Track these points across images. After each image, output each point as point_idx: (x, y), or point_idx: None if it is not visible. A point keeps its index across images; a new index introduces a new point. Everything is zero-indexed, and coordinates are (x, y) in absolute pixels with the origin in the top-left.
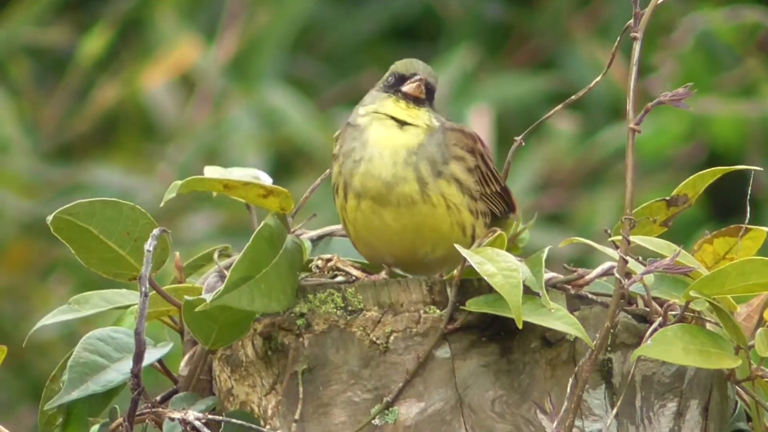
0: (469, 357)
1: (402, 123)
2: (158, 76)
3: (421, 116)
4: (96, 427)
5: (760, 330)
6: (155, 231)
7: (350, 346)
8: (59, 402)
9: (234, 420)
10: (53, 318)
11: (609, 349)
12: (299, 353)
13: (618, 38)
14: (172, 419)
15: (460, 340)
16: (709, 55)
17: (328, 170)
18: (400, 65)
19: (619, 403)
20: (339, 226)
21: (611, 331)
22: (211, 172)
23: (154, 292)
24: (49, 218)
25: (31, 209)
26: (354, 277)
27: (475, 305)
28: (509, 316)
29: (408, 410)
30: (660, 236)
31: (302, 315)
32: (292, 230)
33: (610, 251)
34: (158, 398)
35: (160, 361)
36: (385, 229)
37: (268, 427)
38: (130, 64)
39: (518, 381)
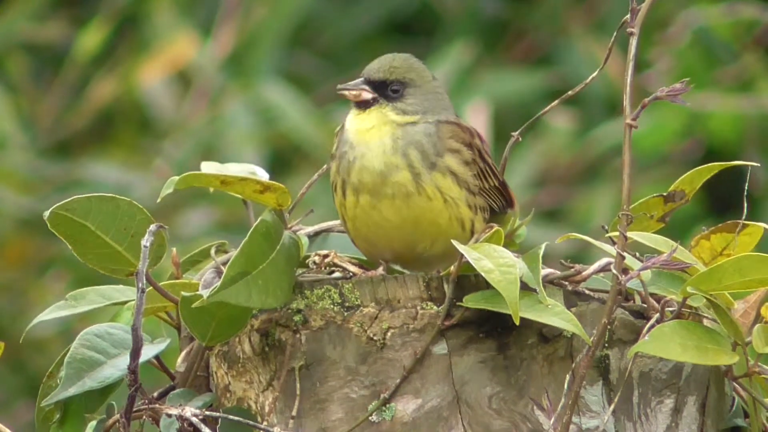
0: (466, 353)
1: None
2: (155, 71)
3: (368, 118)
4: (93, 423)
5: (757, 326)
6: (152, 227)
7: (347, 342)
8: (56, 398)
9: (231, 416)
10: (50, 314)
11: (606, 345)
12: (296, 349)
13: (615, 34)
14: (169, 415)
15: (457, 336)
16: (706, 51)
17: (325, 166)
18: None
19: (616, 399)
20: (336, 222)
21: (608, 327)
22: (208, 167)
23: (151, 288)
24: (46, 214)
25: (28, 205)
26: (351, 273)
27: (472, 301)
28: (506, 312)
29: (405, 406)
30: (657, 232)
31: (299, 311)
32: (289, 226)
33: (607, 247)
34: (155, 394)
35: (157, 357)
36: (384, 223)
37: (265, 423)
38: (127, 59)
39: (515, 377)
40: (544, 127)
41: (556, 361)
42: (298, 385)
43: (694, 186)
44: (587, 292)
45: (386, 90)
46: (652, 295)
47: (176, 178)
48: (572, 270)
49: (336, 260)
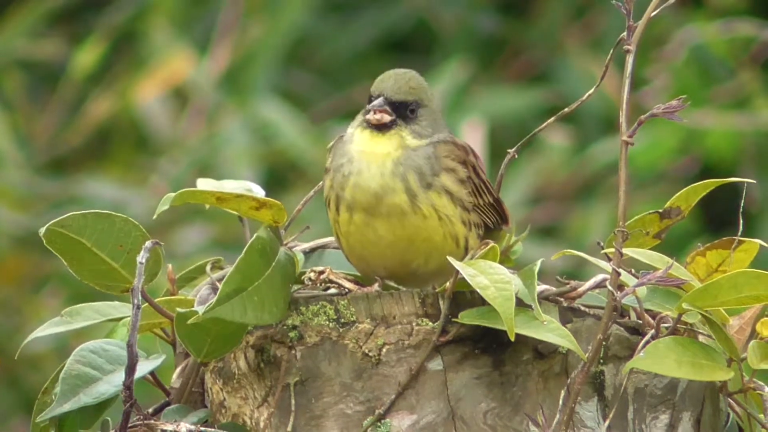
0: (461, 369)
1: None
2: (151, 89)
3: (389, 142)
4: None
5: (752, 342)
6: (148, 243)
7: (342, 359)
8: (51, 414)
9: None
10: (46, 330)
11: (601, 361)
12: (291, 365)
13: (611, 51)
14: (164, 431)
15: (453, 352)
16: (703, 68)
17: (321, 183)
18: (375, 82)
19: (611, 415)
20: (331, 239)
21: (603, 343)
22: (204, 184)
23: (147, 304)
24: (42, 230)
25: (24, 222)
26: (346, 290)
27: (467, 317)
28: (502, 329)
29: (400, 422)
30: (653, 248)
31: (294, 327)
32: (285, 242)
33: (602, 263)
34: (150, 410)
35: (152, 373)
36: (378, 241)
37: None
38: (124, 77)
39: (510, 393)
40: (541, 144)
41: (552, 377)
42: (293, 401)
43: (690, 203)
44: (582, 308)
45: (405, 111)
46: (647, 311)
47: (172, 194)
48: (568, 286)
49: (331, 276)
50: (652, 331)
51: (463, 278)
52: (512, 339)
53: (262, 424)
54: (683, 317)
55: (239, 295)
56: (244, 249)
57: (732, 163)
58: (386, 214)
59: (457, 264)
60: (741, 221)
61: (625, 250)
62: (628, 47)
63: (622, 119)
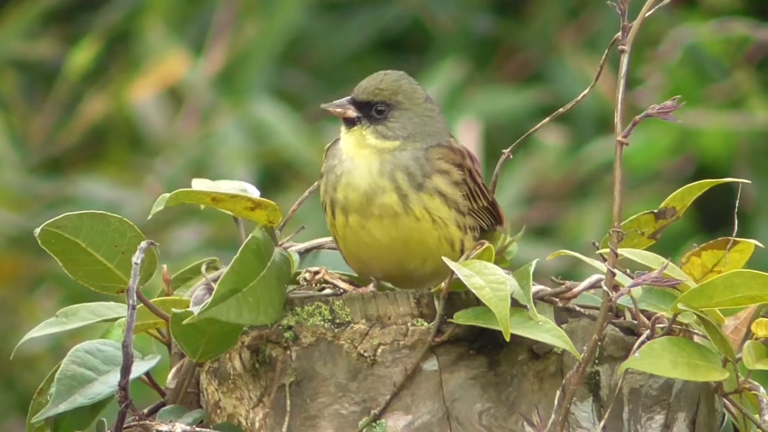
0: (456, 370)
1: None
2: (146, 89)
3: (349, 137)
4: None
5: (747, 342)
6: (143, 244)
7: (338, 359)
8: (47, 415)
9: None
10: (41, 331)
11: (596, 361)
12: (287, 366)
13: (606, 51)
14: (160, 431)
15: (448, 352)
16: (697, 68)
17: (316, 183)
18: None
19: (606, 415)
20: (327, 239)
21: (599, 343)
22: (199, 184)
23: (142, 304)
24: (37, 231)
25: (19, 222)
26: (342, 290)
27: (462, 318)
28: (497, 329)
29: (395, 423)
30: (648, 249)
31: (290, 328)
32: (280, 243)
33: (597, 264)
34: (146, 411)
35: (147, 373)
36: (374, 243)
37: None
38: (118, 77)
39: (506, 394)
40: (535, 145)
41: (547, 378)
42: (288, 402)
43: (685, 203)
44: (578, 308)
45: (370, 111)
46: (642, 311)
47: (167, 195)
48: (563, 286)
49: (327, 277)
50: (648, 331)
51: (459, 279)
52: (507, 339)
53: (257, 425)
54: (678, 318)
55: (234, 295)
56: (239, 249)
57: (726, 163)
58: (378, 216)
59: (452, 264)
60: (736, 221)
61: (620, 251)
62: (623, 47)
63: (617, 119)
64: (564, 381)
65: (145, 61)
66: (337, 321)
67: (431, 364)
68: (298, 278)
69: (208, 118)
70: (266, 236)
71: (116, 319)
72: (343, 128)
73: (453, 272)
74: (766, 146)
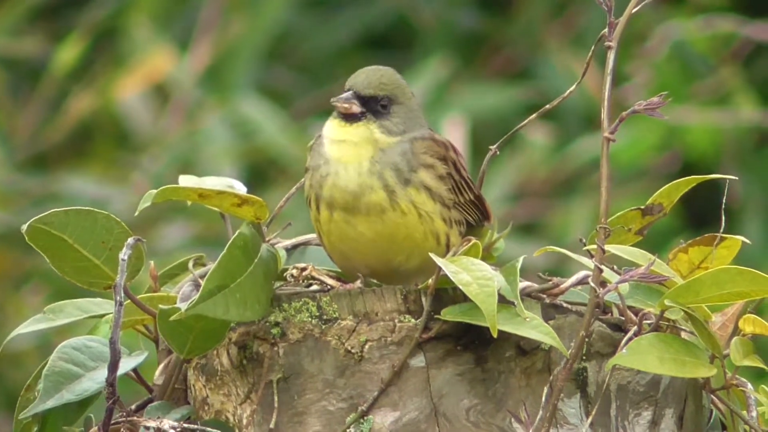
0: (444, 366)
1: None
2: (132, 86)
3: (355, 132)
4: None
5: (735, 339)
6: (130, 240)
7: (325, 355)
8: (34, 411)
9: (209, 429)
10: (28, 327)
11: (584, 358)
12: (274, 362)
13: (593, 48)
14: (147, 428)
15: (435, 349)
16: (684, 65)
17: (302, 179)
18: (350, 77)
19: (594, 412)
20: (314, 235)
21: (586, 340)
22: (186, 181)
23: (129, 301)
24: (24, 227)
25: (5, 219)
26: (329, 286)
27: (450, 314)
28: (484, 325)
29: (383, 419)
30: (635, 245)
31: (277, 324)
32: (267, 239)
33: (585, 260)
34: (133, 407)
35: (135, 370)
36: (359, 238)
37: None
38: (104, 73)
39: (493, 390)
40: (522, 142)
41: (534, 374)
42: (276, 398)
43: (672, 199)
44: (565, 305)
45: (375, 105)
46: (629, 307)
47: (154, 191)
48: (550, 283)
49: (314, 273)
50: (635, 327)
51: (446, 275)
52: (495, 336)
53: (245, 421)
54: (666, 314)
55: (222, 291)
56: (226, 246)
57: (713, 159)
58: (365, 212)
59: (439, 261)
60: (723, 218)
61: (607, 247)
62: (610, 44)
63: (604, 116)
64: (551, 377)
65: (131, 58)
66: (325, 317)
67: (418, 361)
68: (285, 274)
69: (194, 115)
70: (253, 232)
71: (103, 315)
72: (337, 120)
73: (440, 268)
74: (752, 143)
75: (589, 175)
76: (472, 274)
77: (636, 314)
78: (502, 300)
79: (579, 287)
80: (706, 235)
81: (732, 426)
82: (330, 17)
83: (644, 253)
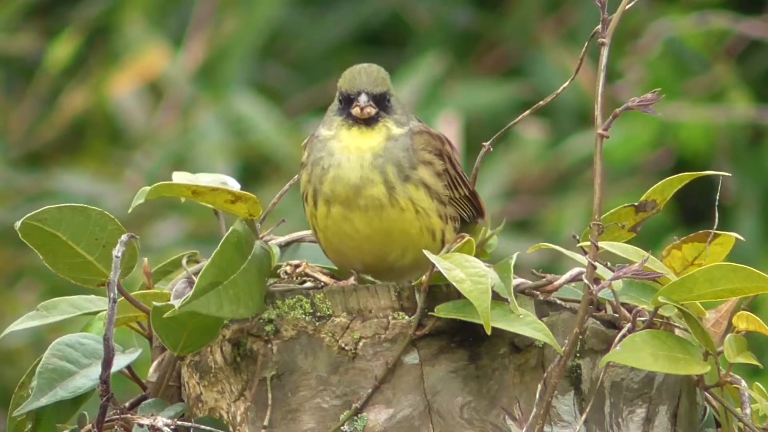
0: (437, 363)
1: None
2: (126, 83)
3: (375, 136)
4: None
5: (728, 336)
6: (123, 237)
7: (319, 352)
8: (28, 408)
9: (203, 426)
10: (21, 324)
11: (578, 355)
12: (268, 359)
13: (586, 44)
14: (141, 425)
15: (429, 346)
16: (677, 61)
17: (296, 176)
18: (345, 82)
19: (588, 409)
20: (307, 232)
21: (580, 337)
22: (179, 177)
23: (123, 298)
24: (18, 224)
25: None
26: (322, 283)
27: (443, 311)
28: (478, 322)
29: (377, 416)
30: (628, 242)
31: (271, 321)
32: (261, 236)
33: (578, 257)
34: (127, 404)
35: (128, 367)
36: (355, 234)
37: None
38: (98, 70)
39: (487, 387)
40: (515, 138)
41: (528, 371)
42: (269, 395)
43: (665, 196)
44: (559, 301)
45: (384, 102)
46: (623, 304)
47: (147, 188)
48: (544, 280)
49: (307, 270)
50: (629, 324)
51: (439, 272)
52: (488, 332)
53: (238, 418)
54: (659, 311)
55: (215, 288)
56: (220, 242)
57: (706, 156)
58: (364, 207)
59: (432, 257)
60: (716, 214)
61: (600, 244)
62: (603, 40)
63: (597, 112)
64: (545, 374)
65: (124, 55)
66: (318, 314)
67: (412, 358)
68: (278, 271)
69: (188, 112)
70: (247, 229)
71: (97, 312)
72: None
73: (434, 265)
74: (745, 139)
75: (582, 171)
76: (466, 271)
77: (630, 311)
78: (496, 297)
79: (573, 284)
80: (699, 231)
81: (726, 423)
82: (324, 14)
83: (638, 249)
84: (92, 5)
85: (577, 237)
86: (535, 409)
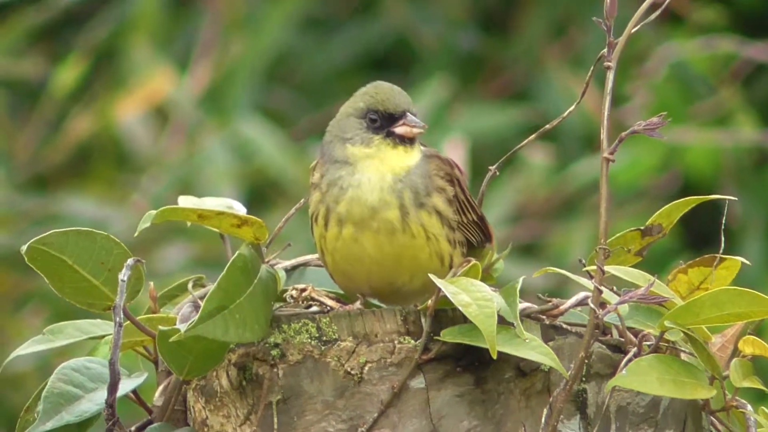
0: (443, 387)
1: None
2: (132, 107)
3: (415, 155)
4: None
5: (734, 360)
6: (129, 261)
7: (325, 377)
8: None
9: None
10: (28, 348)
11: (584, 379)
12: (274, 383)
13: (592, 68)
14: None
15: (435, 370)
16: (683, 85)
17: (303, 200)
18: (381, 100)
19: None
20: (313, 256)
21: (586, 361)
22: (185, 202)
23: (129, 322)
24: (24, 248)
25: (4, 240)
26: (328, 307)
27: (449, 335)
28: (484, 346)
29: None
30: (634, 266)
31: (277, 345)
32: (267, 260)
33: (584, 281)
34: (133, 429)
35: (134, 391)
36: (365, 258)
37: None
38: (104, 95)
39: (492, 411)
40: (521, 163)
41: (534, 395)
42: (275, 420)
43: (672, 220)
44: (564, 326)
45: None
46: (629, 329)
47: (153, 212)
48: (550, 304)
49: (313, 294)
50: (635, 348)
51: (445, 296)
52: (494, 357)
53: None
54: (665, 335)
55: (221, 313)
56: (226, 267)
57: (712, 180)
58: (376, 230)
59: (439, 282)
60: (723, 238)
61: (606, 268)
62: (609, 64)
63: (603, 136)
64: (551, 398)
65: (130, 79)
66: (324, 338)
67: (418, 382)
68: (284, 295)
69: (194, 136)
70: (253, 253)
71: (103, 336)
72: (401, 150)
73: (440, 289)
74: (752, 163)
75: (588, 195)
76: (472, 295)
77: (636, 335)
78: (502, 321)
79: (579, 308)
80: (705, 255)
81: None
82: (330, 38)
83: (644, 274)
84: (98, 29)
85: (583, 261)
86: None
